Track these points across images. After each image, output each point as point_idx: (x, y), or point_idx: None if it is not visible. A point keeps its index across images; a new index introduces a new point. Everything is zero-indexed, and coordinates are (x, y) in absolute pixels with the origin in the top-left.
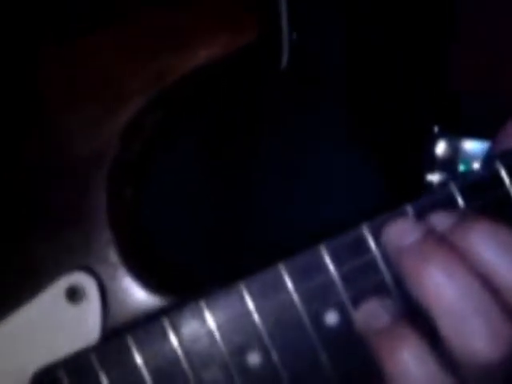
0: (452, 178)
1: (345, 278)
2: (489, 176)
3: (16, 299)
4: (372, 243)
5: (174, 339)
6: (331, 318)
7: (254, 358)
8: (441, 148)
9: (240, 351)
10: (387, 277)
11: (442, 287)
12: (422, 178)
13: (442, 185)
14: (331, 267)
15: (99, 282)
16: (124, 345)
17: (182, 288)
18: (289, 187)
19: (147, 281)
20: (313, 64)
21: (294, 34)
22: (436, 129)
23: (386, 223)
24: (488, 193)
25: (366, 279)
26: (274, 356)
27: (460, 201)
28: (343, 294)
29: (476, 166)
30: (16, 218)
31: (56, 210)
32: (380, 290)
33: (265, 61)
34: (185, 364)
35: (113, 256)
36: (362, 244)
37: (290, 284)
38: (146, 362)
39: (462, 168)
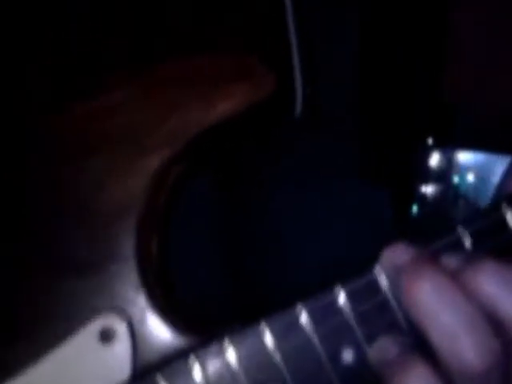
0: (461, 222)
1: (359, 317)
2: (496, 220)
3: (52, 339)
4: (384, 285)
5: (199, 376)
6: (347, 356)
7: None
8: (435, 160)
9: None
10: (399, 316)
11: (433, 301)
12: (416, 189)
13: (451, 229)
14: (347, 308)
15: (129, 323)
16: (154, 382)
17: (205, 328)
18: (304, 226)
19: (173, 322)
20: (325, 108)
21: (308, 88)
22: (430, 140)
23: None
24: (495, 237)
25: (379, 318)
26: None
27: (467, 244)
28: (358, 333)
29: (470, 177)
30: (57, 258)
31: (89, 255)
32: (392, 327)
33: (280, 110)
34: None
35: (141, 299)
36: (374, 286)
37: (308, 325)
38: None
39: (455, 180)
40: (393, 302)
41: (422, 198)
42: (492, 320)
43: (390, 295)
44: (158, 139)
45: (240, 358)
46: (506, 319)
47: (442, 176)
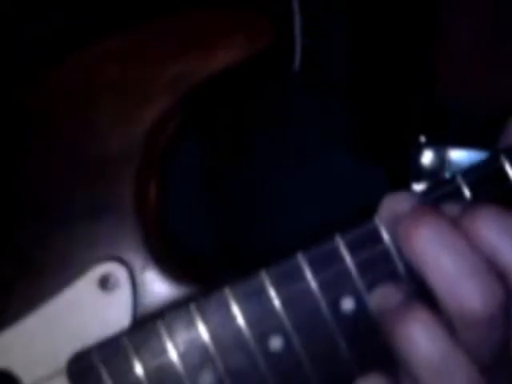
0: (460, 172)
1: (360, 266)
2: (495, 171)
3: (52, 286)
4: (385, 234)
5: (201, 325)
6: (347, 304)
7: (276, 343)
8: (427, 158)
9: (263, 336)
10: (399, 266)
11: (433, 245)
12: (408, 187)
13: (450, 178)
14: (347, 256)
15: (130, 271)
16: (155, 330)
17: (203, 278)
18: (292, 186)
19: (173, 271)
20: (321, 69)
21: (306, 39)
22: (422, 138)
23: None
24: (494, 187)
25: (379, 267)
26: (295, 340)
27: (467, 193)
28: (358, 282)
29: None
30: (53, 208)
31: (88, 204)
32: (393, 276)
33: (278, 62)
34: (212, 349)
35: (141, 248)
36: (375, 235)
37: (308, 273)
38: (175, 347)
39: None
40: (393, 251)
41: None
42: (494, 268)
43: (390, 244)
44: (158, 88)
45: (241, 307)
46: (507, 267)
47: (435, 174)
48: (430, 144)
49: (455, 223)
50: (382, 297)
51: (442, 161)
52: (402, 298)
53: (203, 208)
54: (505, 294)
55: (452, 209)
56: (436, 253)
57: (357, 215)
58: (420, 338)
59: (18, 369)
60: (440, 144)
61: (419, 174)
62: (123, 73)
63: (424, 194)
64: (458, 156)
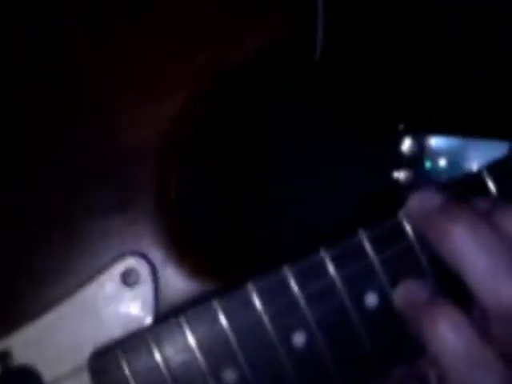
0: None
1: (383, 261)
2: None
3: (76, 281)
4: (409, 230)
5: (224, 321)
6: (371, 299)
7: (299, 339)
8: (406, 145)
9: (286, 332)
10: (423, 262)
11: (470, 244)
12: (388, 175)
13: (475, 173)
14: (371, 252)
15: (152, 266)
16: (178, 326)
17: (224, 275)
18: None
19: (195, 266)
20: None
21: (329, 29)
22: (401, 126)
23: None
24: None
25: (403, 263)
26: (318, 336)
27: (492, 188)
28: (382, 277)
29: (442, 162)
30: (75, 205)
31: (109, 201)
32: (416, 273)
33: (300, 51)
34: (235, 345)
35: (163, 243)
36: (398, 231)
37: (331, 269)
38: (199, 343)
39: (427, 165)
40: (417, 247)
41: (394, 184)
42: None
43: (414, 240)
44: (183, 77)
45: (264, 303)
46: None
47: (414, 161)
48: (408, 131)
49: (486, 218)
50: (407, 292)
51: (421, 148)
52: (428, 294)
53: (221, 204)
54: None
55: (480, 204)
56: (472, 249)
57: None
58: (448, 335)
59: (40, 365)
60: (419, 131)
61: (399, 161)
62: (152, 60)
63: (448, 188)
64: (437, 143)
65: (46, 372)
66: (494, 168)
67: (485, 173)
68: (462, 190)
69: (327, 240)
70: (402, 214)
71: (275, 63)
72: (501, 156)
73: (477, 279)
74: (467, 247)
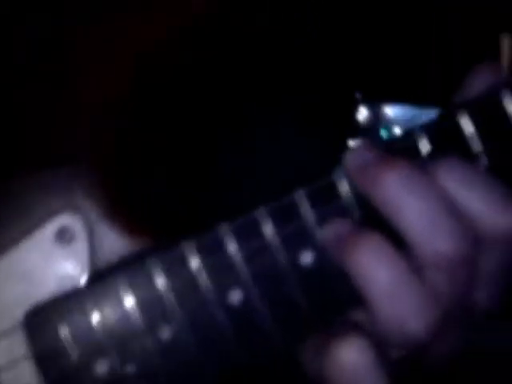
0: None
1: (319, 221)
2: (451, 124)
3: (8, 239)
4: (344, 188)
5: (160, 279)
6: (306, 258)
7: (235, 297)
8: (362, 114)
9: (222, 290)
10: (356, 218)
11: (404, 191)
12: (344, 144)
13: (407, 134)
14: (306, 211)
15: (87, 224)
16: (113, 284)
17: (161, 233)
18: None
19: (129, 224)
20: None
21: None
22: (357, 95)
23: None
24: (450, 142)
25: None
26: (254, 294)
27: (424, 149)
28: (317, 235)
29: (397, 131)
30: (9, 156)
31: (41, 155)
32: None
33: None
34: (172, 303)
35: (99, 199)
36: (333, 189)
37: (268, 228)
38: (135, 301)
39: (383, 133)
40: (352, 205)
41: None
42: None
43: (349, 198)
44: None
45: (203, 261)
46: (475, 217)
47: (370, 130)
48: (364, 100)
49: (422, 170)
50: (333, 228)
51: (376, 117)
52: (353, 226)
53: (162, 164)
54: (474, 241)
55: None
56: (406, 196)
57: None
58: (371, 261)
59: None
60: (374, 100)
61: (354, 130)
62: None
63: (383, 148)
64: (392, 112)
65: None
66: (425, 129)
67: (417, 133)
68: (396, 149)
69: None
70: (336, 172)
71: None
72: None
73: (410, 227)
74: (400, 194)
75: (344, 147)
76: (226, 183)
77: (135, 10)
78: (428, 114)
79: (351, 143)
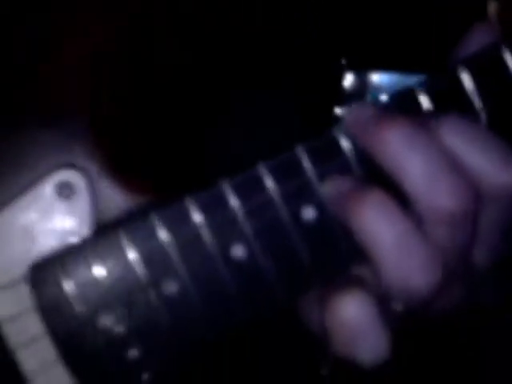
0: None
1: (320, 177)
2: (452, 81)
3: (9, 193)
4: (345, 144)
5: (163, 233)
6: (308, 213)
7: (238, 252)
8: (348, 81)
9: (225, 245)
10: (359, 175)
11: (406, 147)
12: (330, 111)
13: (408, 90)
14: (308, 167)
15: (88, 179)
16: (116, 238)
17: (163, 189)
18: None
19: (132, 180)
20: None
21: None
22: (343, 61)
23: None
24: (451, 98)
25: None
26: (257, 249)
27: (426, 105)
28: (319, 192)
29: (384, 98)
30: (9, 108)
31: (39, 111)
32: None
33: None
34: (175, 257)
35: (99, 155)
36: (334, 145)
37: (269, 183)
38: (138, 255)
39: (369, 100)
40: (353, 161)
41: (336, 120)
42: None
43: (350, 154)
44: None
45: (205, 216)
46: (477, 173)
47: (356, 97)
48: (350, 67)
49: (423, 127)
50: (335, 184)
51: (363, 84)
52: (356, 183)
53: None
54: (475, 197)
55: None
56: (409, 152)
57: None
58: (376, 217)
59: None
60: (361, 67)
61: (341, 97)
62: None
63: (383, 105)
64: (379, 78)
65: None
66: (428, 84)
67: (418, 90)
68: (396, 104)
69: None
70: (337, 129)
71: None
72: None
73: (413, 182)
74: (402, 150)
75: (330, 114)
76: (226, 140)
77: None
78: (414, 81)
79: (337, 110)
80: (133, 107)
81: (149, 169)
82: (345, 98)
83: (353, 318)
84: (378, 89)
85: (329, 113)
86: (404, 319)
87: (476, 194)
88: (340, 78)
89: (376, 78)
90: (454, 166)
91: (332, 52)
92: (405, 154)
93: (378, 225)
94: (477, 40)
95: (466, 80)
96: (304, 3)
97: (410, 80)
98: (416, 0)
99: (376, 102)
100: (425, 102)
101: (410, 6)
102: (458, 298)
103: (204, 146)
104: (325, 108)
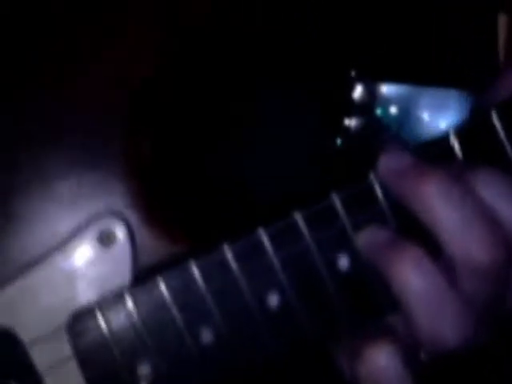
0: (452, 129)
1: (356, 226)
2: (484, 127)
3: (52, 243)
4: (380, 194)
5: (201, 282)
6: (343, 262)
7: (273, 300)
8: (358, 92)
9: (261, 293)
10: (393, 225)
11: (443, 199)
12: (340, 122)
13: (442, 138)
14: (343, 216)
15: (128, 227)
16: (155, 284)
17: (200, 237)
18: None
19: (172, 227)
20: None
21: None
22: (353, 73)
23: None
24: (484, 145)
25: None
26: (292, 298)
27: (458, 153)
28: (353, 241)
29: (393, 110)
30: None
31: (81, 160)
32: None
33: None
34: (211, 305)
35: (137, 202)
36: (369, 194)
37: (305, 232)
38: (176, 303)
39: (378, 112)
40: (388, 212)
41: (345, 131)
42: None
43: (385, 203)
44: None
45: (240, 265)
46: (507, 225)
47: (366, 109)
48: (360, 78)
49: (457, 179)
50: (371, 235)
51: (372, 95)
52: (391, 236)
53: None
54: (509, 251)
55: (450, 167)
56: (446, 205)
57: None
58: (410, 271)
59: (18, 327)
60: (370, 78)
61: (350, 108)
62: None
63: (417, 150)
64: (388, 90)
65: (25, 334)
66: (460, 130)
67: (452, 136)
68: (430, 151)
69: (299, 200)
70: (372, 177)
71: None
72: (461, 113)
73: (448, 236)
74: (441, 204)
75: (340, 125)
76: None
77: None
78: (424, 93)
79: (347, 122)
80: (170, 156)
81: (186, 218)
82: (354, 109)
83: (382, 369)
84: (388, 100)
85: (338, 124)
86: (430, 365)
87: (510, 246)
88: (349, 89)
89: (385, 89)
90: (489, 219)
91: (341, 63)
92: (442, 207)
93: (413, 280)
94: (509, 85)
95: (499, 127)
96: (310, 19)
97: (420, 92)
98: (426, 11)
99: (409, 144)
100: (457, 148)
101: (419, 17)
102: (488, 339)
103: (240, 193)
104: (334, 119)
